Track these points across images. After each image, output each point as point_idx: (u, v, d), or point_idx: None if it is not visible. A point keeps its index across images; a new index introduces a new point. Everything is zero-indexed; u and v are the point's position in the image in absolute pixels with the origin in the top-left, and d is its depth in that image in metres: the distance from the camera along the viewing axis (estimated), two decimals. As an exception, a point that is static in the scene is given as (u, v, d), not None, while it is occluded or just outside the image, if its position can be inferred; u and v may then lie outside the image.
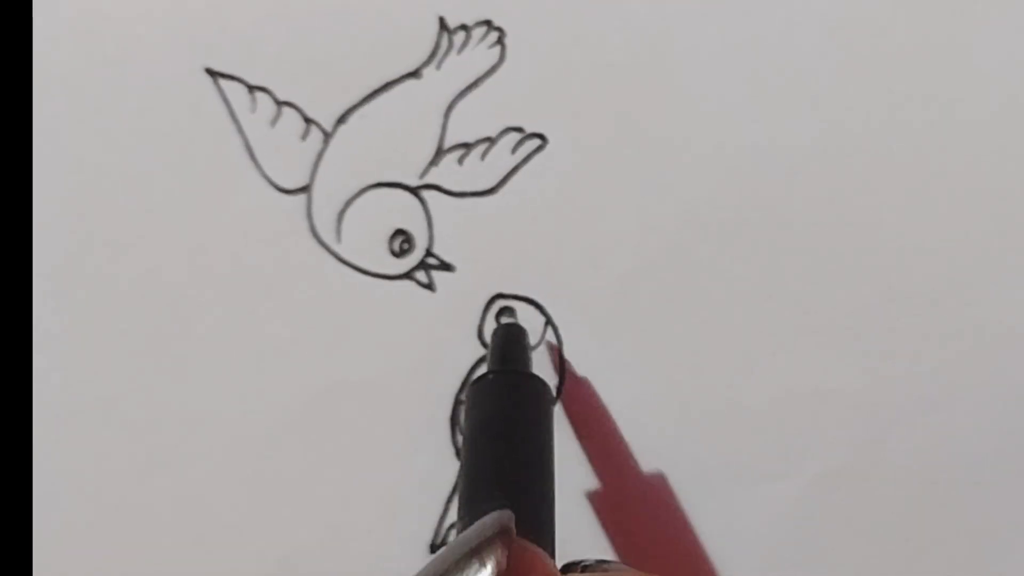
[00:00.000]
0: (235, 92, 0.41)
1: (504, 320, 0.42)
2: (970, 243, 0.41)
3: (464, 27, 0.41)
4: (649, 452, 0.43)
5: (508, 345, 0.40)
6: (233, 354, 0.42)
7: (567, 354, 0.42)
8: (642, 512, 0.43)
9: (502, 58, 0.41)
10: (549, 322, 0.42)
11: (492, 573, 0.24)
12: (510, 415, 0.37)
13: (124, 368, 0.42)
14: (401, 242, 0.42)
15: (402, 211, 0.42)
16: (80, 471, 0.42)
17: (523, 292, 0.42)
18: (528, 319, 0.42)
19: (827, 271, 0.42)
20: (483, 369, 0.42)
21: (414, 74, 0.41)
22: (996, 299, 0.42)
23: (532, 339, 0.42)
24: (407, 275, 0.42)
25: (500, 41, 0.41)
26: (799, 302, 0.42)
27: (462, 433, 0.42)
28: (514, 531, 0.25)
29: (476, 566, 0.24)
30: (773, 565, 0.43)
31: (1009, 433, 0.42)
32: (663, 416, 0.43)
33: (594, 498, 0.43)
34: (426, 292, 0.42)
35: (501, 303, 0.42)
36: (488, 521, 0.25)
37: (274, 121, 0.41)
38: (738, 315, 0.42)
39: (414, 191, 0.42)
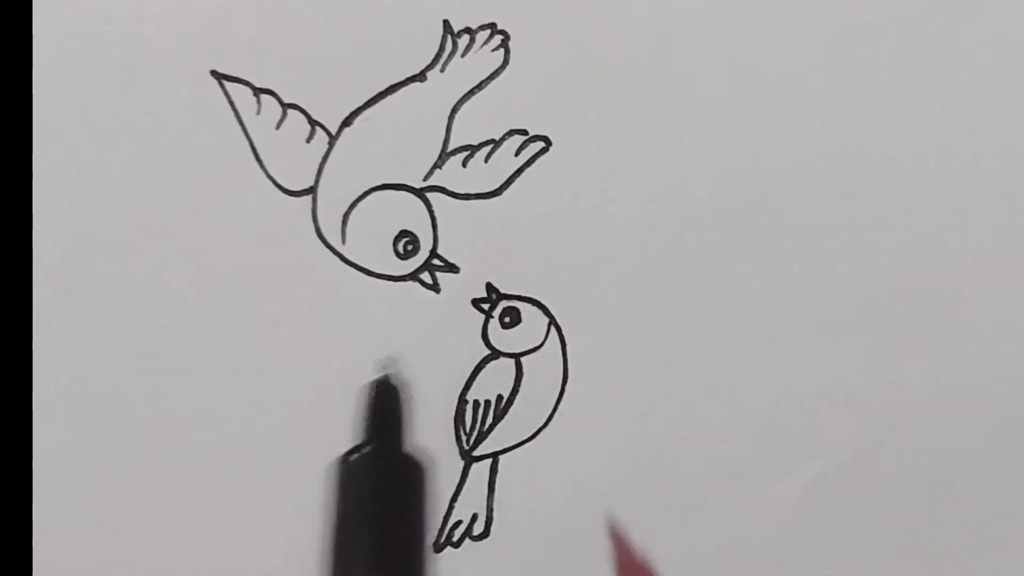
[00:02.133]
0: (241, 94, 0.41)
1: (381, 374, 0.40)
2: (970, 243, 0.41)
3: (468, 30, 0.40)
4: (650, 451, 0.42)
5: (380, 410, 0.39)
6: (238, 354, 0.41)
7: (570, 354, 0.42)
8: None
9: (506, 61, 0.41)
10: (553, 322, 0.42)
11: None
12: (383, 503, 0.36)
13: (127, 368, 0.41)
14: (406, 243, 0.41)
15: (407, 213, 0.41)
16: (81, 471, 0.41)
17: (527, 293, 0.41)
18: (532, 319, 0.41)
19: (828, 272, 0.41)
20: (488, 369, 0.41)
21: (419, 77, 0.41)
22: (996, 299, 0.41)
23: (536, 339, 0.42)
24: (412, 276, 0.41)
25: (504, 44, 0.41)
26: (800, 303, 0.41)
27: (465, 433, 0.42)
28: None
29: None
30: (773, 565, 0.42)
31: (1009, 433, 0.42)
32: (664, 416, 0.42)
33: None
34: (431, 293, 0.41)
35: (505, 304, 0.41)
36: None
37: (279, 123, 0.41)
38: (739, 315, 0.41)
39: (419, 193, 0.41)
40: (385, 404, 0.39)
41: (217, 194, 0.41)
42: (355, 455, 0.37)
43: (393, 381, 0.40)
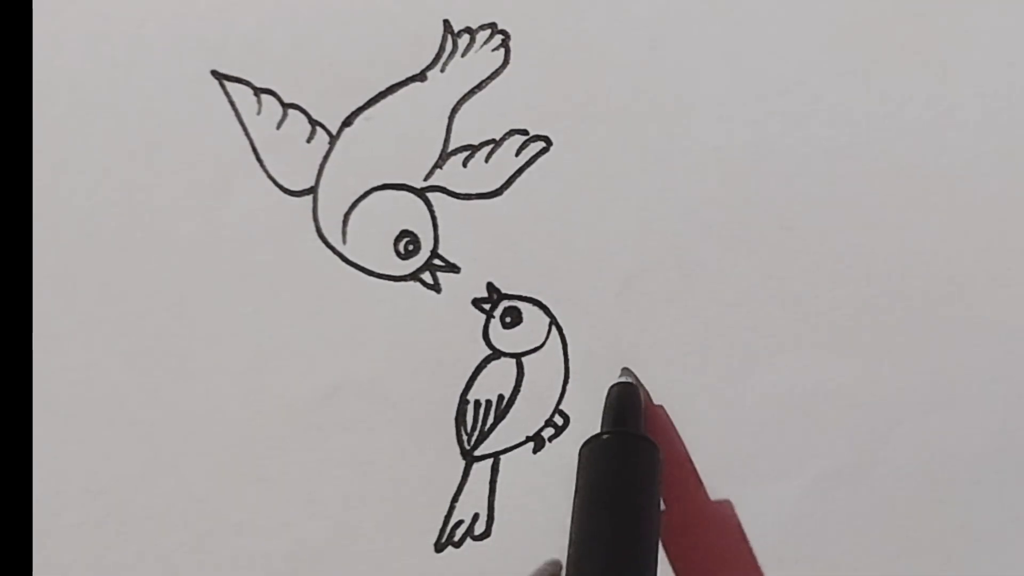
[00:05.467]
0: (241, 94, 0.40)
1: (621, 379, 0.41)
2: (970, 243, 0.41)
3: (468, 30, 0.40)
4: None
5: (623, 405, 0.39)
6: (240, 354, 0.41)
7: (571, 353, 0.41)
8: (706, 538, 0.41)
9: (506, 61, 0.40)
10: (553, 322, 0.41)
11: None
12: (621, 479, 0.37)
13: (127, 368, 0.41)
14: (407, 243, 0.41)
15: (408, 213, 0.41)
16: (81, 471, 0.41)
17: (528, 293, 0.41)
18: (533, 319, 0.41)
19: (827, 271, 0.41)
20: (489, 368, 0.41)
21: (419, 77, 0.40)
22: (996, 299, 0.41)
23: (537, 339, 0.41)
24: (413, 276, 0.41)
25: (504, 44, 0.40)
26: (800, 302, 0.41)
27: (466, 432, 0.41)
28: None
29: None
30: (773, 565, 0.42)
31: (1009, 433, 0.41)
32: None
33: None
34: (432, 293, 0.41)
35: (506, 304, 0.41)
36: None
37: (280, 123, 0.40)
38: (739, 315, 0.41)
39: (419, 193, 0.41)
40: (624, 398, 0.40)
41: (218, 194, 0.40)
42: (603, 437, 0.38)
43: (631, 382, 0.41)
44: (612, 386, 0.40)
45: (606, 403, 0.40)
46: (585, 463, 0.38)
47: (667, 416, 0.41)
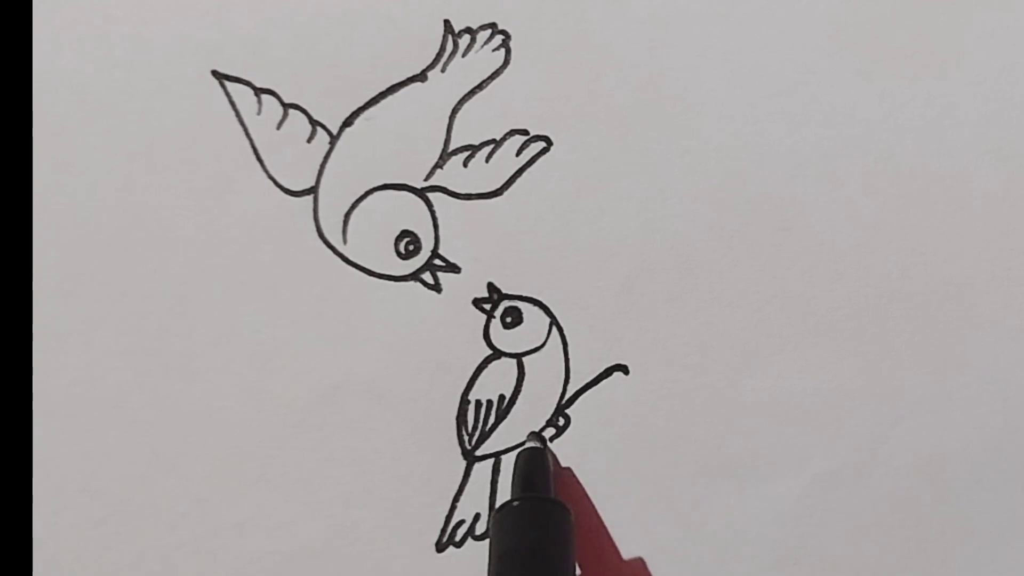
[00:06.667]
0: (241, 94, 0.40)
1: (528, 444, 0.41)
2: (970, 243, 0.41)
3: (469, 30, 0.40)
4: (650, 452, 0.42)
5: (532, 470, 0.39)
6: (240, 354, 0.41)
7: (571, 353, 0.41)
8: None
9: (507, 61, 0.40)
10: (554, 322, 0.41)
11: None
12: (535, 545, 0.37)
13: (127, 368, 0.40)
14: (407, 243, 0.41)
15: (408, 213, 0.41)
16: (81, 471, 0.41)
17: (528, 293, 0.41)
18: (533, 319, 0.41)
19: (828, 271, 0.41)
20: (490, 369, 0.41)
21: (419, 77, 0.40)
22: (996, 299, 0.41)
23: (538, 339, 0.41)
24: (413, 276, 0.41)
25: (505, 44, 0.40)
26: (800, 302, 0.41)
27: (467, 432, 0.41)
28: None
29: None
30: (773, 565, 0.42)
31: (1009, 433, 0.41)
32: (664, 415, 0.41)
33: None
34: (432, 293, 0.41)
35: (506, 304, 0.41)
36: None
37: (280, 123, 0.40)
38: (739, 315, 0.41)
39: (420, 193, 0.41)
40: (532, 463, 0.40)
41: (218, 194, 0.40)
42: (514, 504, 0.38)
43: (539, 447, 0.41)
44: (519, 451, 0.40)
45: (515, 469, 0.40)
46: (498, 530, 0.38)
47: (575, 478, 0.41)
